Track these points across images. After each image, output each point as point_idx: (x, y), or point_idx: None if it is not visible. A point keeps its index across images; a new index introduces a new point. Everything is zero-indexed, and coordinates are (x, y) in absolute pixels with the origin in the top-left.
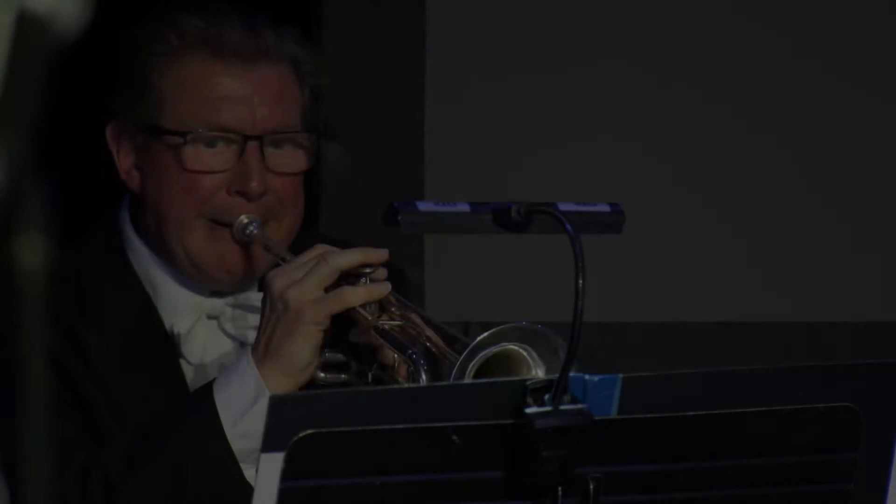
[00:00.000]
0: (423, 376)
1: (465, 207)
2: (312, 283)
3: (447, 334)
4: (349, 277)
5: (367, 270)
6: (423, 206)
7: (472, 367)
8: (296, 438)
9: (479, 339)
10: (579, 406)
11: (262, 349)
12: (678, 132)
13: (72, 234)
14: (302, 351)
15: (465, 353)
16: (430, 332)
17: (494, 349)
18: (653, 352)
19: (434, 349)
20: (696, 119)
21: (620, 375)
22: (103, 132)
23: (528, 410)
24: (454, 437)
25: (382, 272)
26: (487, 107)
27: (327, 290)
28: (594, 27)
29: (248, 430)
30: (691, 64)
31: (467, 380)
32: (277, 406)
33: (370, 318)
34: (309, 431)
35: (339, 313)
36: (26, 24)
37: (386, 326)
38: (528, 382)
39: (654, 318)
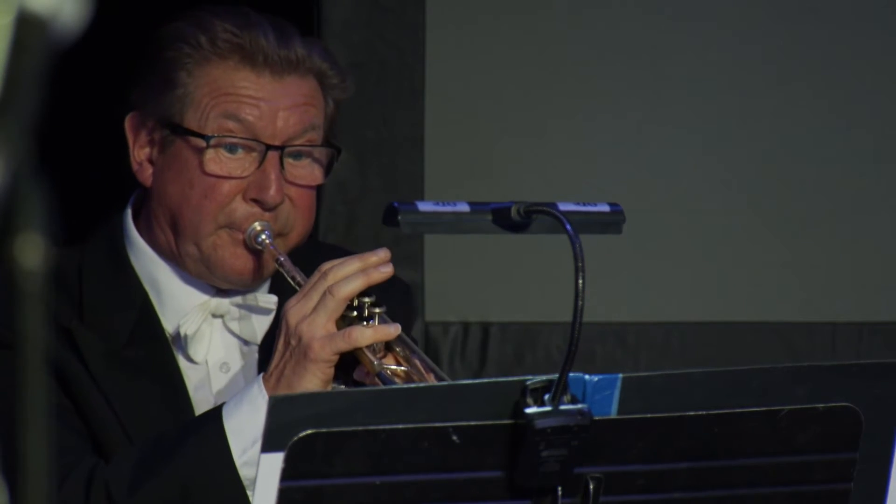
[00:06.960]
0: None
1: (465, 207)
2: (322, 318)
3: None
4: (360, 307)
5: (377, 311)
6: (423, 206)
7: None
8: (296, 438)
9: None
10: (579, 406)
11: (275, 380)
12: (678, 132)
13: (72, 235)
14: (311, 385)
15: None
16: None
17: None
18: (653, 352)
19: None
20: (697, 119)
21: (620, 375)
22: (112, 129)
23: (528, 410)
24: (454, 437)
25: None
26: (488, 107)
27: (339, 322)
28: (594, 27)
29: (257, 458)
30: (691, 65)
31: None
32: (277, 406)
33: (375, 362)
34: (309, 431)
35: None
36: (26, 24)
37: (389, 373)
38: (528, 382)
39: (654, 318)
